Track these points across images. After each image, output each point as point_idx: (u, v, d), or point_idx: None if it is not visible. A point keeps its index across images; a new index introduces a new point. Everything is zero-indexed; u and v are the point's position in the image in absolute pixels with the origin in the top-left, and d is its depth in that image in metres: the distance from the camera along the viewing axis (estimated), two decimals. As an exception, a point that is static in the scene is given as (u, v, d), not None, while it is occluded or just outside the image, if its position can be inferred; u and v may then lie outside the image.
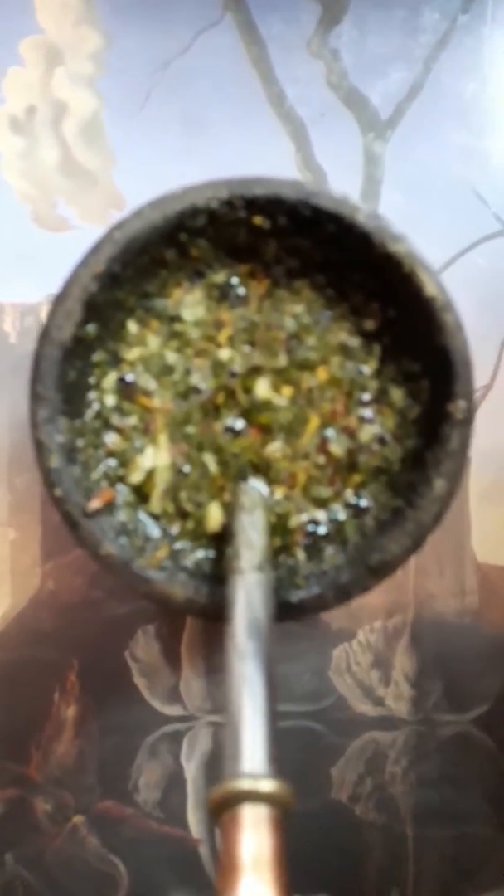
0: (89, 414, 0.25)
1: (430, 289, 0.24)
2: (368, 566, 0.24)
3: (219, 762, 0.34)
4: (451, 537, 0.35)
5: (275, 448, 0.26)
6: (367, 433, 0.26)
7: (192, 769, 0.34)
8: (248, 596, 0.22)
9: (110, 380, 0.26)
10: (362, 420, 0.26)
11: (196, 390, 0.26)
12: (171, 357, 0.26)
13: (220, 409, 0.26)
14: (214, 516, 0.26)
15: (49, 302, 0.35)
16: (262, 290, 0.26)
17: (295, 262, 0.26)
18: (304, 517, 0.26)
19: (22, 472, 0.34)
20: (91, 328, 0.25)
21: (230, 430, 0.26)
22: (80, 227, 0.35)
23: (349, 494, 0.26)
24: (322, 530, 0.26)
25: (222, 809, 0.18)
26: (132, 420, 0.26)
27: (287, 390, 0.26)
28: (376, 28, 0.35)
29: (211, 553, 0.26)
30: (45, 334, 0.24)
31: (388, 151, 0.35)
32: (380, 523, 0.25)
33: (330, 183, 0.35)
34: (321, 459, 0.26)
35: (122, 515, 0.25)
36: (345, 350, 0.26)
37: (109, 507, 0.25)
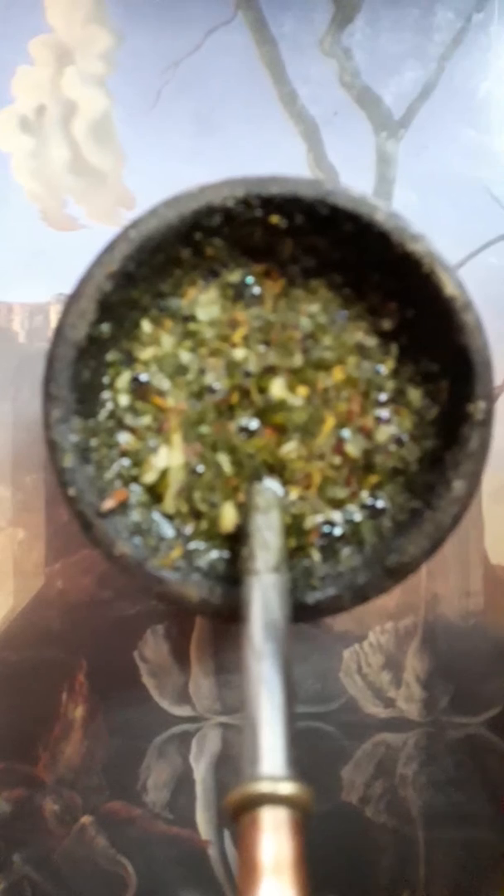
0: (103, 414, 0.25)
1: (449, 288, 0.24)
2: (385, 568, 0.24)
3: (228, 763, 0.34)
4: (463, 538, 0.34)
5: (290, 448, 0.26)
6: (383, 434, 0.26)
7: (200, 770, 0.34)
8: (265, 597, 0.22)
9: (124, 379, 0.26)
10: (379, 420, 0.26)
11: (210, 390, 0.26)
12: (186, 357, 0.26)
13: (234, 408, 0.26)
14: (228, 517, 0.26)
15: (58, 301, 0.35)
16: (277, 290, 0.26)
17: (311, 261, 0.26)
18: (319, 518, 0.26)
19: (30, 472, 0.34)
20: (105, 327, 0.25)
21: (245, 430, 0.26)
22: (90, 226, 0.35)
23: (365, 495, 0.26)
24: (338, 531, 0.26)
25: (241, 812, 0.18)
26: (146, 420, 0.26)
27: (302, 390, 0.26)
28: (389, 27, 0.35)
29: (225, 554, 0.25)
30: (58, 334, 0.24)
31: (400, 151, 0.35)
32: (397, 524, 0.25)
33: (342, 182, 0.35)
34: (337, 460, 0.26)
35: (135, 515, 0.25)
36: (361, 350, 0.26)
37: (123, 507, 0.25)
